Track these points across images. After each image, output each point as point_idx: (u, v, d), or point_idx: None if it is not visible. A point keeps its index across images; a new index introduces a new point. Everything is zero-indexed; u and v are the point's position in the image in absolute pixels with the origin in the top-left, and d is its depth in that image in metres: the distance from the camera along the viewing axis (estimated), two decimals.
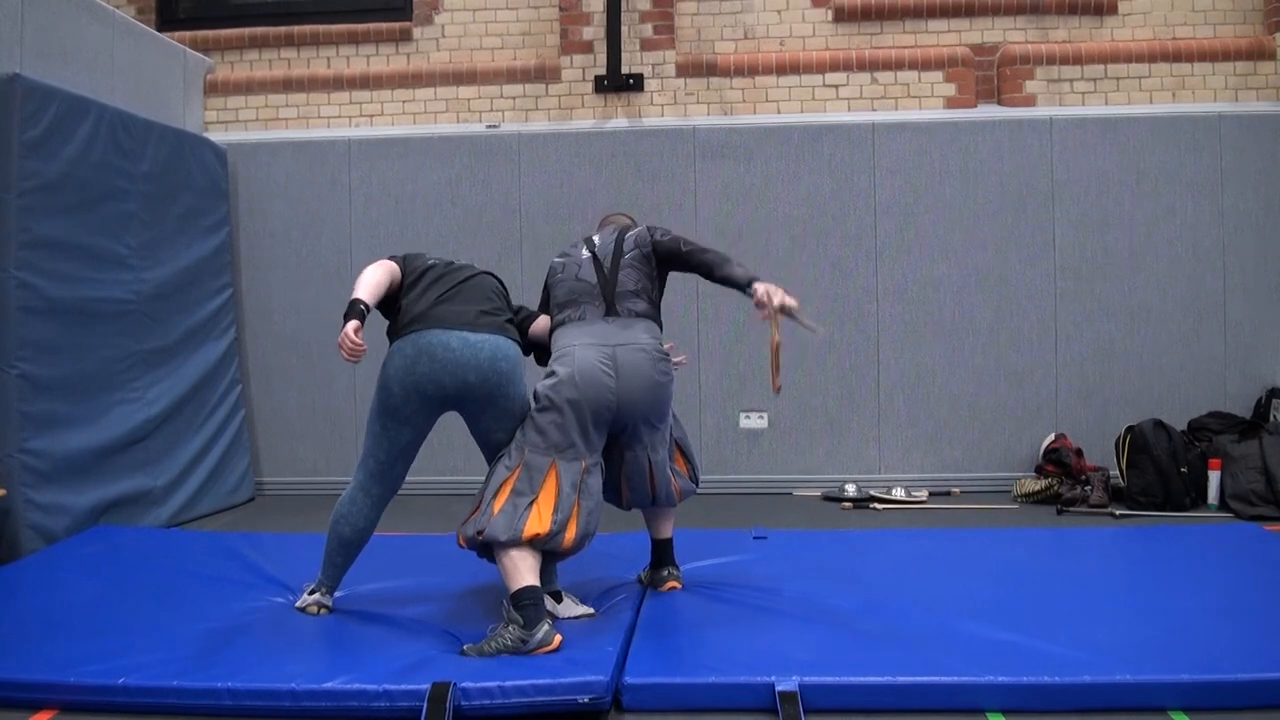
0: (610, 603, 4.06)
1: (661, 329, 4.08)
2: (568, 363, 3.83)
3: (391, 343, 3.83)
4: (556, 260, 4.22)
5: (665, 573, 4.32)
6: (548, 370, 3.90)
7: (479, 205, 7.03)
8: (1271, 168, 6.71)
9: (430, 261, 4.02)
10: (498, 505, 3.72)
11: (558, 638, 3.55)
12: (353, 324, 3.64)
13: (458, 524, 3.85)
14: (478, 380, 3.76)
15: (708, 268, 4.07)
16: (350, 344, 3.62)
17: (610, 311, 3.98)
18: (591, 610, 3.99)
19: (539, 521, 3.68)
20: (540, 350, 4.31)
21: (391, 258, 3.98)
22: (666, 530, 4.35)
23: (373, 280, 3.82)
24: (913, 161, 6.83)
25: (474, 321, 3.80)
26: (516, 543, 3.65)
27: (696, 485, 4.37)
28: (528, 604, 3.56)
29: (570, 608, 3.95)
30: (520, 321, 4.23)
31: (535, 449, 3.79)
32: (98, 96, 5.77)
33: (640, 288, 4.05)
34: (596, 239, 4.21)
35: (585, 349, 3.85)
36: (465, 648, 3.58)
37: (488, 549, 3.77)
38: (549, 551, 3.78)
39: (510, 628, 3.53)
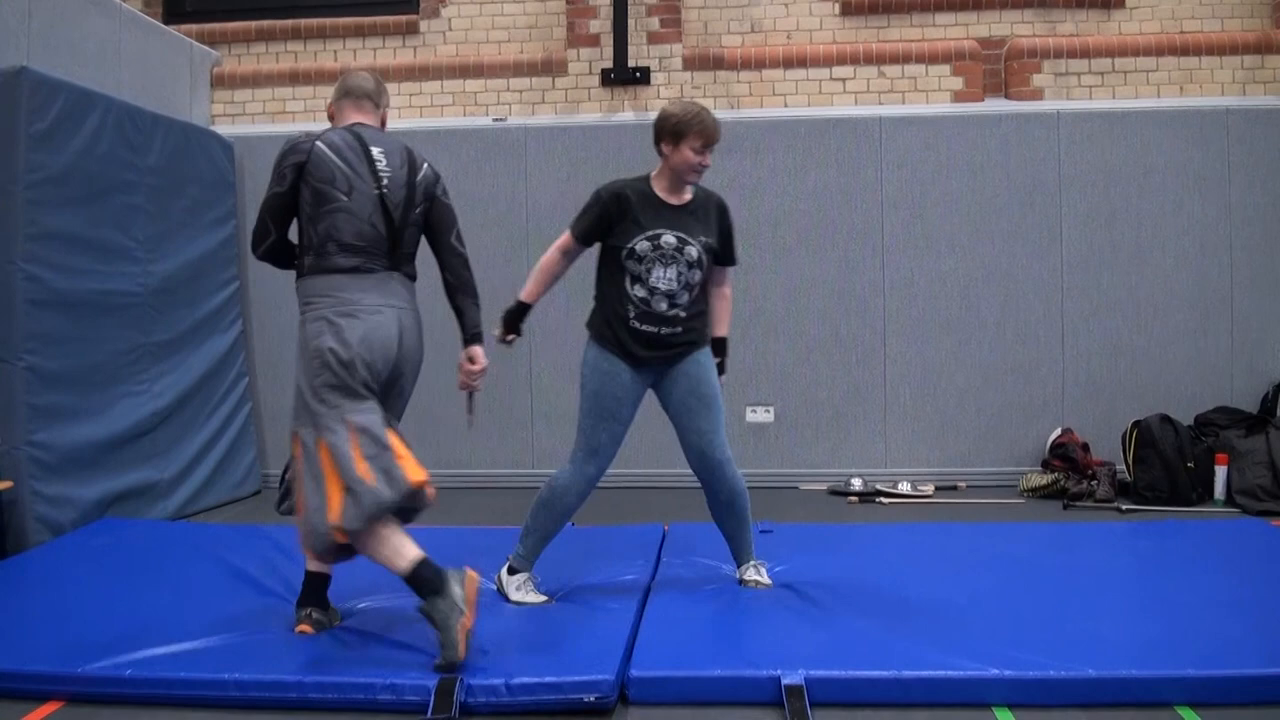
0: (617, 596, 4.06)
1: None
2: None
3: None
4: (334, 161, 3.61)
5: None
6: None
7: (485, 199, 7.03)
8: (1279, 162, 6.69)
9: None
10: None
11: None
12: None
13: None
14: None
15: (453, 279, 3.90)
16: None
17: (395, 267, 3.73)
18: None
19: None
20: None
21: None
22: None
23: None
24: (919, 155, 6.82)
25: None
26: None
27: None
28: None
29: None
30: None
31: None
32: (104, 89, 5.78)
33: (414, 247, 3.83)
34: (382, 160, 3.70)
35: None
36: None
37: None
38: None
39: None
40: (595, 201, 4.07)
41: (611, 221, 4.02)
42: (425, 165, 3.86)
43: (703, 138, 3.98)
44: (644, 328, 4.00)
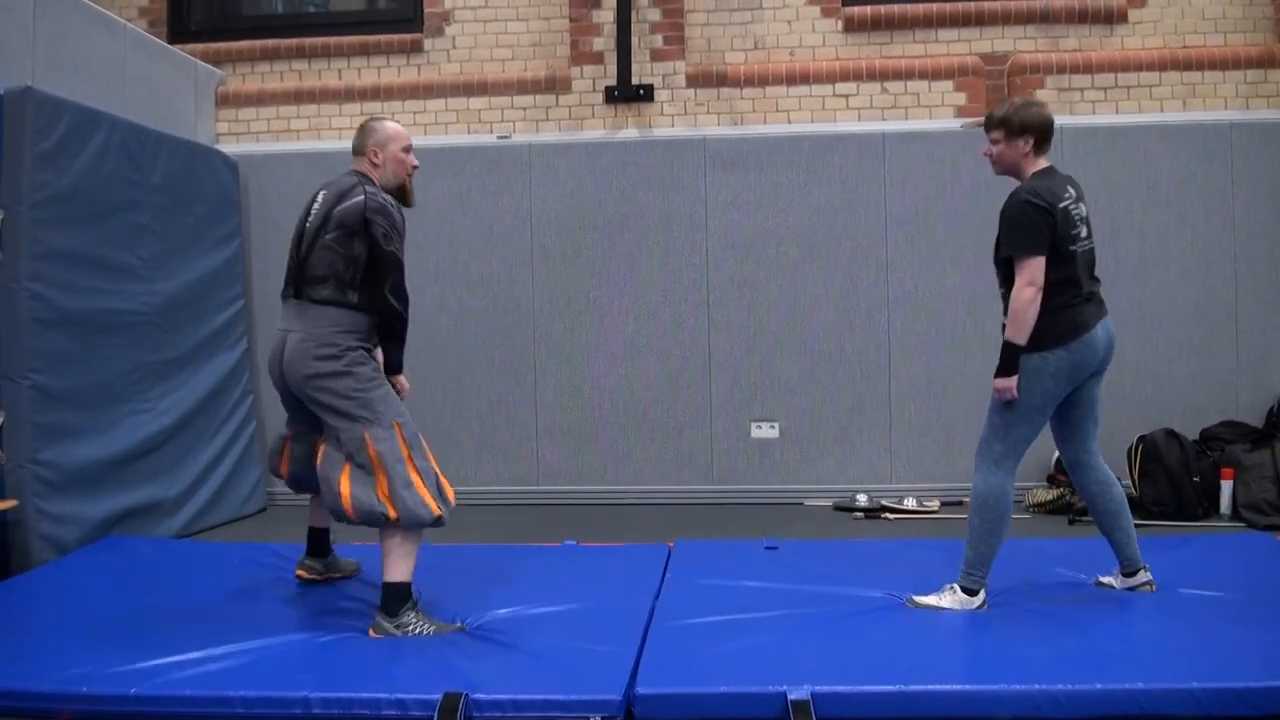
0: (623, 613, 4.05)
1: (362, 312, 3.98)
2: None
3: None
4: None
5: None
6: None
7: (490, 216, 7.05)
8: None
9: None
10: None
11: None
12: None
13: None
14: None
15: (382, 326, 4.04)
16: None
17: (297, 294, 4.03)
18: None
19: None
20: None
21: None
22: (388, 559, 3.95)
23: None
24: (923, 171, 6.83)
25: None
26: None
27: (396, 517, 3.83)
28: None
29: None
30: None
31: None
32: (109, 109, 5.80)
33: (331, 271, 3.93)
34: (319, 198, 4.04)
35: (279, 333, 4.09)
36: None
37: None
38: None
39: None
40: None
41: None
42: (357, 198, 3.93)
43: None
44: None
